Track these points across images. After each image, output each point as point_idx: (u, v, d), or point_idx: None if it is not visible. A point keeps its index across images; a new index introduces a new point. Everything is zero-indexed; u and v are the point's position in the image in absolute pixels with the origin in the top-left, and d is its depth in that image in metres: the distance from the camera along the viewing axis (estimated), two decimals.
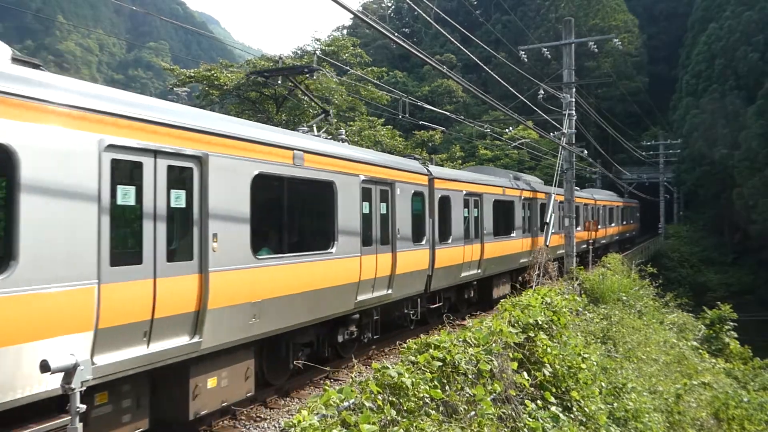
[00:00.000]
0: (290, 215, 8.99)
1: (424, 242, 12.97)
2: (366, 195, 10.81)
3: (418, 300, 13.28)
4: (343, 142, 11.72)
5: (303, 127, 11.42)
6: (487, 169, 22.01)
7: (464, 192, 15.27)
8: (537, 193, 21.80)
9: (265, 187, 8.35)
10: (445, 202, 14.17)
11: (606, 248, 33.54)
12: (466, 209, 15.39)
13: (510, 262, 18.67)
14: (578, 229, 24.94)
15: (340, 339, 10.51)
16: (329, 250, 9.61)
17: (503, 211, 18.27)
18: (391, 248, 11.57)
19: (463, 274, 15.05)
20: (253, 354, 8.18)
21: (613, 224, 36.91)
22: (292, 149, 8.76)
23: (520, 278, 19.66)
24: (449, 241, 14.22)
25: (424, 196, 13.18)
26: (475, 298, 16.76)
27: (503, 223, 18.17)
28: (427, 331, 13.01)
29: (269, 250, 8.36)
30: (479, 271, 16.06)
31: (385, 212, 11.46)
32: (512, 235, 18.76)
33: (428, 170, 13.63)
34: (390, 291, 11.51)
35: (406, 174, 12.39)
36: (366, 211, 10.77)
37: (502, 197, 18.02)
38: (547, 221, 20.15)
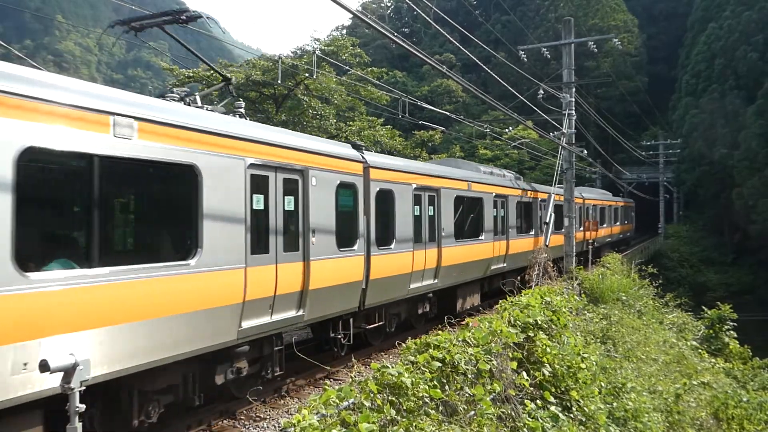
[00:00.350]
0: (110, 212, 6.36)
1: (355, 247, 10.35)
2: (259, 185, 8.15)
3: (351, 320, 10.66)
4: (240, 117, 9.05)
5: (173, 93, 8.32)
6: (453, 162, 19.25)
7: (414, 185, 12.61)
8: (512, 190, 19.17)
9: (51, 169, 5.85)
10: (386, 197, 11.60)
11: (597, 252, 30.64)
12: (417, 206, 12.77)
13: (478, 269, 16.08)
14: (563, 230, 22.75)
15: (220, 380, 7.78)
16: (186, 262, 6.80)
17: (469, 210, 15.66)
18: (302, 255, 8.91)
19: (412, 286, 12.45)
20: (40, 418, 5.58)
21: (604, 225, 34.07)
22: (111, 114, 6.00)
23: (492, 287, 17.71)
24: (392, 245, 11.65)
25: (356, 189, 10.51)
26: (433, 312, 14.13)
27: (470, 224, 15.58)
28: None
29: (69, 263, 5.74)
30: (435, 281, 13.41)
31: (292, 208, 8.83)
32: (481, 237, 16.05)
33: (363, 157, 10.92)
34: (302, 312, 8.88)
35: (327, 159, 9.69)
36: (259, 206, 8.14)
37: (466, 193, 15.31)
38: (547, 221, 20.14)
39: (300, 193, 9.07)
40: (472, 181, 15.89)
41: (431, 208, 13.50)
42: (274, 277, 8.31)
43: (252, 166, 8.01)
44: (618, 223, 38.47)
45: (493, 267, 17.08)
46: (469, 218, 15.67)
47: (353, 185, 10.47)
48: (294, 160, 8.91)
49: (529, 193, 20.76)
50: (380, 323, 11.82)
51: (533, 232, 20.75)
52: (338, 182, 9.99)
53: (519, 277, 19.13)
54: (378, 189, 11.25)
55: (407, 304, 13.04)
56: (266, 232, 8.32)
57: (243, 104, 9.67)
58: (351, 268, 10.21)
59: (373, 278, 10.85)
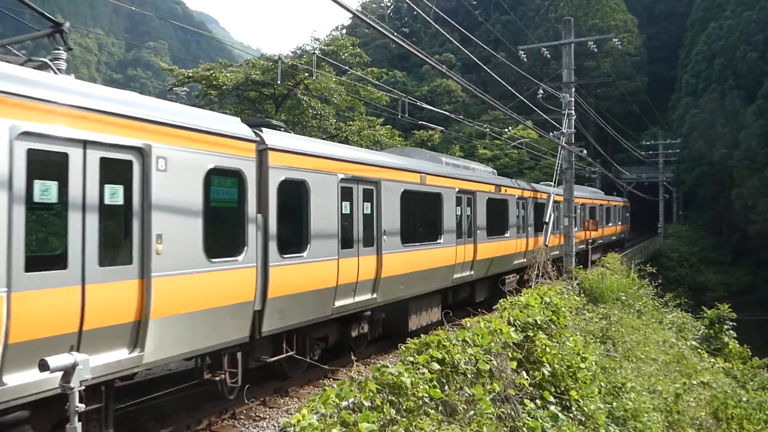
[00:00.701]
0: None
1: (240, 257, 7.75)
2: (45, 167, 5.65)
3: (240, 354, 8.09)
4: (52, 71, 6.46)
5: None
6: (408, 151, 16.54)
7: (341, 176, 9.99)
8: (481, 185, 16.39)
9: None
10: (296, 190, 9.07)
11: (585, 256, 27.23)
12: (346, 203, 10.20)
13: (437, 278, 13.59)
14: (553, 231, 21.09)
15: None
16: None
17: (423, 208, 13.43)
18: (138, 271, 6.37)
19: (339, 303, 9.85)
20: None
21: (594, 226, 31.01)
22: None
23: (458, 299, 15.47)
24: (304, 252, 9.04)
25: (243, 178, 7.90)
26: (376, 332, 11.80)
27: (424, 225, 13.36)
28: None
29: None
30: (374, 295, 10.86)
31: (119, 202, 6.28)
32: (439, 241, 13.57)
33: (259, 135, 8.40)
34: (138, 352, 6.30)
35: (189, 135, 7.05)
36: (45, 197, 5.66)
37: (419, 187, 12.83)
38: (546, 221, 20.10)
39: (135, 182, 6.43)
40: (428, 173, 13.30)
41: (368, 204, 10.89)
42: (78, 305, 5.76)
43: (27, 135, 5.39)
44: (610, 224, 35.95)
45: (456, 276, 14.48)
46: (424, 218, 13.46)
47: (238, 173, 7.84)
48: (123, 131, 6.26)
49: (504, 189, 18.18)
50: (290, 353, 9.13)
51: (508, 234, 18.20)
52: (210, 168, 7.34)
53: (517, 278, 18.75)
54: (282, 179, 8.64)
55: (336, 325, 10.45)
56: (63, 237, 5.76)
57: (64, 55, 6.86)
58: (233, 284, 7.64)
59: (274, 296, 8.33)
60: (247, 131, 8.14)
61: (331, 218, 9.74)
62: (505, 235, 17.95)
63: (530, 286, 14.36)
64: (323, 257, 9.46)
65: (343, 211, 10.09)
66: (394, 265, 11.48)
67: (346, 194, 10.21)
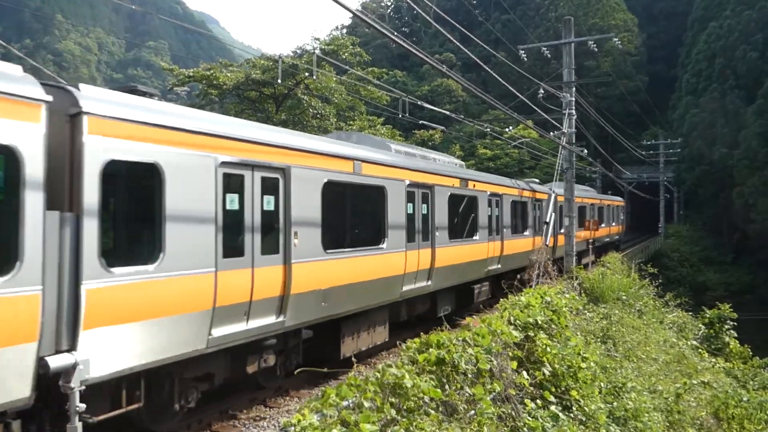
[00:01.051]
0: None
1: (6, 277, 5.03)
2: None
3: (17, 423, 5.31)
4: None
5: None
6: (361, 137, 13.82)
7: (221, 159, 7.30)
8: (442, 178, 13.67)
9: None
10: (138, 178, 6.57)
11: (578, 259, 23.20)
12: (231, 196, 7.59)
13: (377, 292, 10.81)
14: (526, 233, 19.63)
15: None
16: None
17: (359, 206, 10.99)
18: None
19: (219, 331, 7.17)
20: None
21: (582, 227, 27.76)
22: None
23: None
24: (152, 265, 6.34)
25: (18, 159, 5.15)
26: (291, 364, 9.12)
27: (360, 227, 11.00)
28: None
29: None
30: (281, 317, 8.27)
31: None
32: (382, 246, 10.95)
33: (62, 93, 5.76)
34: None
35: None
36: None
37: (351, 179, 10.18)
38: (547, 221, 20.07)
39: None
40: (364, 161, 10.57)
41: (270, 199, 8.28)
42: None
43: None
44: (603, 225, 33.27)
45: (407, 287, 11.84)
46: (359, 217, 11.11)
47: (8, 149, 5.08)
48: None
49: (473, 183, 15.47)
50: (136, 405, 6.48)
51: (478, 237, 15.36)
52: None
53: (489, 288, 16.03)
54: (111, 159, 5.97)
55: (223, 359, 7.81)
56: None
57: None
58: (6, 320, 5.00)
59: (95, 328, 5.70)
60: (28, 86, 5.27)
61: (204, 216, 7.07)
62: (474, 237, 15.18)
63: (531, 286, 14.25)
64: (188, 270, 6.77)
65: (227, 207, 7.48)
66: (312, 278, 8.91)
67: (231, 184, 7.55)
